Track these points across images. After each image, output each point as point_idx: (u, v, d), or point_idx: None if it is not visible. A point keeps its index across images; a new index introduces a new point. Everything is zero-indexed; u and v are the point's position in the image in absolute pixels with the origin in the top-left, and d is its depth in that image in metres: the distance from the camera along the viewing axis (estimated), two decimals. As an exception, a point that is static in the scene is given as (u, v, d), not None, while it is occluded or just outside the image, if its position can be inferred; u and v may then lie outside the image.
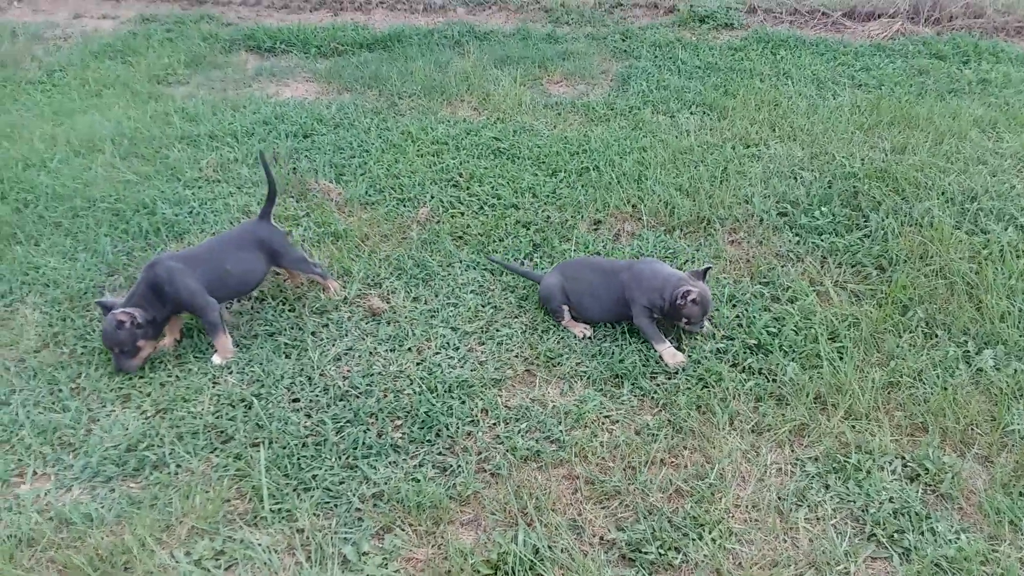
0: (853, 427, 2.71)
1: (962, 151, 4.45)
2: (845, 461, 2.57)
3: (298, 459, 2.63)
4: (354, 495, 2.50)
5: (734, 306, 3.32)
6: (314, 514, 2.44)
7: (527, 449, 2.65)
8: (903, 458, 2.59)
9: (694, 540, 2.33)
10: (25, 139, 4.86)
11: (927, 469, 2.53)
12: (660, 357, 3.04)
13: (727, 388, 2.88)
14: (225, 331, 3.09)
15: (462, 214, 4.03)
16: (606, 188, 4.18)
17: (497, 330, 3.23)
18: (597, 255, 3.64)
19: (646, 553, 2.29)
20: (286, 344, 3.16)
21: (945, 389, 2.83)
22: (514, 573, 2.24)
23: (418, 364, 3.05)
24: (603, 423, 2.78)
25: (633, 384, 2.93)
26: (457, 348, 3.13)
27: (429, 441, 2.71)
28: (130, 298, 3.01)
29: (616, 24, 7.17)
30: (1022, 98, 5.19)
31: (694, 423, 2.74)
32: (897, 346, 3.04)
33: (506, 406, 2.85)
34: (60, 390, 2.95)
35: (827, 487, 2.51)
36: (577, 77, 5.86)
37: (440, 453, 2.66)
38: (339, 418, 2.79)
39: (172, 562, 2.30)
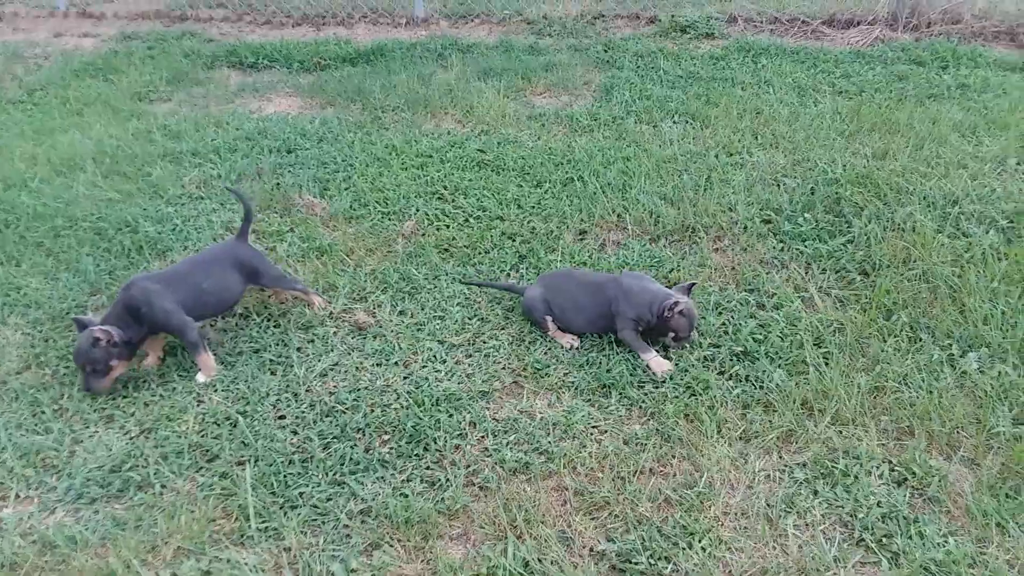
0: (840, 432, 2.72)
1: (942, 155, 4.49)
2: (833, 466, 2.58)
3: (284, 476, 2.60)
4: (342, 512, 2.48)
5: (720, 314, 3.33)
6: (301, 532, 2.42)
7: (516, 461, 2.64)
8: (890, 462, 2.60)
9: (684, 549, 2.32)
10: (6, 158, 4.83)
11: (914, 473, 2.54)
12: (647, 366, 3.04)
13: (714, 396, 2.88)
14: (206, 349, 3.07)
15: (447, 227, 4.03)
16: (591, 198, 4.19)
17: (484, 342, 3.22)
18: (583, 265, 3.65)
19: (636, 563, 2.28)
20: (271, 360, 3.14)
21: (930, 393, 2.84)
22: (504, 587, 2.23)
23: (405, 378, 3.04)
24: (591, 433, 2.77)
25: (621, 394, 2.93)
26: (444, 361, 3.12)
27: (417, 455, 2.69)
28: (107, 318, 2.99)
29: (598, 35, 7.22)
30: (1001, 102, 5.25)
31: (682, 432, 2.73)
32: (882, 350, 3.06)
33: (494, 418, 2.84)
34: (43, 411, 2.92)
35: (815, 493, 2.51)
36: (560, 88, 5.88)
37: (428, 467, 2.65)
38: (326, 434, 2.77)
39: (158, 584, 2.27)
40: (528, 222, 4.03)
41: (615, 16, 7.73)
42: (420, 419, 2.81)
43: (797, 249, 3.73)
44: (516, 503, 2.48)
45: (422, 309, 3.42)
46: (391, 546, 2.37)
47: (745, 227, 3.91)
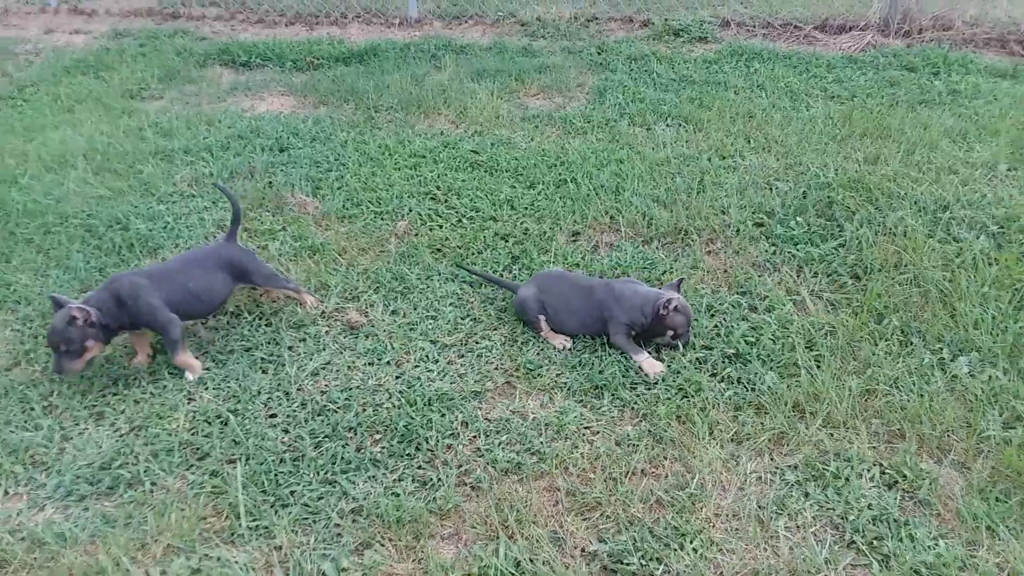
0: (831, 435, 2.73)
1: (933, 161, 4.51)
2: (824, 469, 2.59)
3: (275, 475, 2.59)
4: (333, 511, 2.47)
5: (712, 316, 3.33)
6: (292, 531, 2.41)
7: (508, 462, 2.64)
8: (881, 465, 2.61)
9: (675, 550, 2.33)
10: (-4, 154, 4.79)
11: (905, 476, 2.55)
12: (640, 368, 3.04)
13: (706, 398, 2.88)
14: (185, 349, 3.03)
15: (440, 227, 4.02)
16: (584, 200, 4.19)
17: (477, 342, 3.22)
18: (576, 267, 3.65)
19: (628, 564, 2.28)
20: (263, 359, 3.13)
21: (921, 396, 2.86)
22: (495, 587, 2.23)
23: (397, 378, 3.03)
24: (583, 434, 2.77)
25: (613, 395, 2.93)
26: (436, 361, 3.11)
27: (409, 455, 2.68)
28: (87, 300, 2.95)
29: (592, 38, 7.23)
30: (991, 108, 5.28)
31: (674, 433, 2.74)
32: (873, 354, 3.07)
33: (486, 419, 2.84)
34: (32, 408, 2.89)
35: (806, 495, 2.51)
36: (554, 90, 5.88)
37: (420, 467, 2.64)
38: (317, 433, 2.76)
39: (147, 582, 2.26)
40: (521, 223, 4.03)
41: (609, 19, 7.74)
42: (412, 419, 2.80)
43: (789, 252, 3.74)
44: (508, 503, 2.48)
45: (415, 309, 3.41)
46: (382, 545, 2.36)
47: (738, 230, 3.92)
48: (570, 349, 3.18)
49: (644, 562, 2.29)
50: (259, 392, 2.95)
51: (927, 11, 7.00)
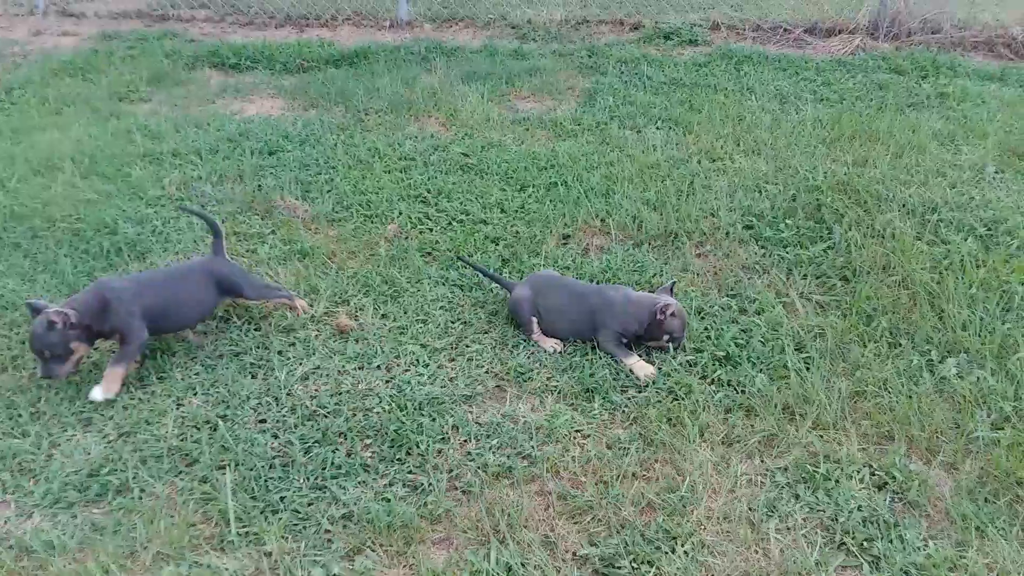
0: (821, 437, 2.74)
1: (922, 164, 4.54)
2: (814, 471, 2.59)
3: (265, 481, 2.58)
4: (323, 516, 2.46)
5: (702, 318, 3.34)
6: (282, 537, 2.40)
7: (498, 465, 2.63)
8: (871, 467, 2.62)
9: (667, 553, 2.33)
10: (-18, 158, 4.76)
11: (894, 477, 2.56)
12: (630, 370, 3.04)
13: (697, 400, 2.89)
14: (128, 368, 2.95)
15: (430, 230, 4.02)
16: (574, 203, 4.20)
17: (467, 346, 3.21)
18: (566, 271, 3.65)
19: (619, 568, 2.28)
20: (252, 364, 3.11)
21: (910, 398, 2.87)
22: (487, 592, 2.22)
23: (387, 382, 3.02)
24: (574, 438, 2.77)
25: (604, 398, 2.93)
26: (427, 365, 3.11)
27: (399, 460, 2.68)
28: (70, 302, 2.92)
29: (582, 40, 7.24)
30: (979, 111, 5.32)
31: (665, 436, 2.74)
32: (862, 356, 3.08)
33: (477, 422, 2.83)
34: (19, 415, 2.87)
35: (797, 497, 2.52)
36: (544, 93, 5.89)
37: (410, 472, 2.64)
38: (307, 438, 2.75)
39: (136, 589, 2.25)
40: (511, 226, 4.03)
41: (599, 22, 7.76)
42: (402, 423, 2.79)
43: (778, 255, 3.75)
44: (499, 507, 2.47)
45: (405, 312, 3.40)
46: (373, 551, 2.36)
47: (727, 233, 3.93)
48: (561, 352, 3.18)
49: (635, 565, 2.29)
50: (248, 397, 2.93)
51: (916, 15, 7.04)
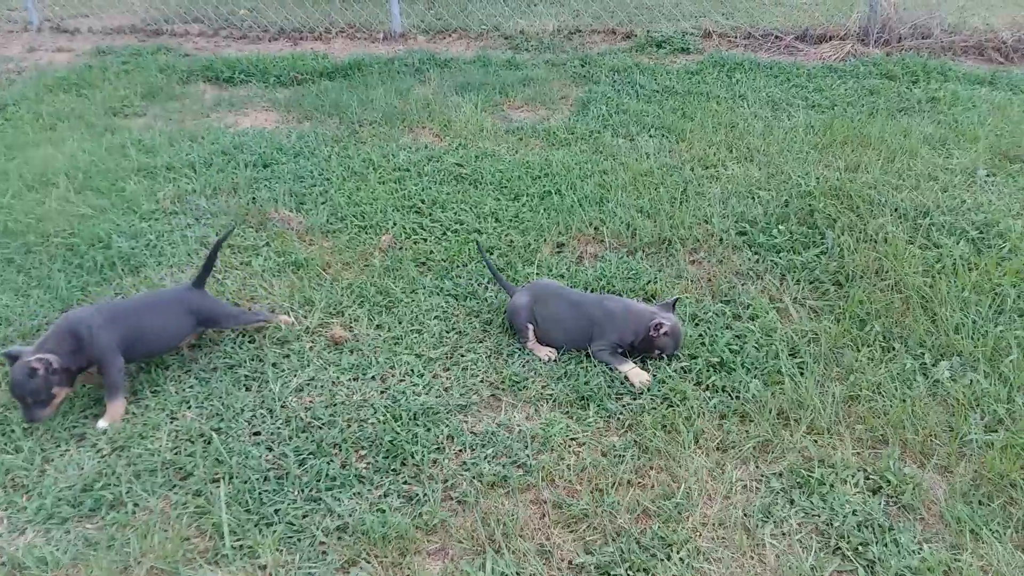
0: (816, 442, 2.74)
1: (913, 168, 4.55)
2: (809, 476, 2.59)
3: (260, 493, 2.58)
4: (318, 528, 2.46)
5: (696, 325, 3.34)
6: (277, 549, 2.39)
7: (494, 475, 2.63)
8: (865, 471, 2.62)
9: (662, 560, 2.32)
10: (-24, 174, 4.77)
11: (889, 481, 2.56)
12: (625, 378, 3.05)
13: (691, 407, 2.89)
14: (121, 396, 2.93)
15: (425, 240, 4.02)
16: (568, 211, 4.21)
17: (462, 355, 3.21)
18: (561, 279, 3.65)
19: (615, 576, 2.28)
20: (246, 376, 3.11)
21: (904, 401, 2.87)
22: (482, 602, 2.22)
23: (382, 392, 3.02)
24: (570, 446, 2.77)
25: (599, 406, 2.93)
26: (421, 375, 3.11)
27: (394, 470, 2.67)
28: (41, 345, 2.87)
29: (575, 50, 7.27)
30: (970, 115, 5.34)
31: (660, 443, 2.74)
32: (856, 360, 3.08)
33: (472, 432, 2.83)
34: (12, 430, 2.86)
35: (792, 502, 2.52)
36: (537, 102, 5.91)
37: (406, 482, 2.63)
38: (302, 450, 2.75)
39: (130, 604, 2.24)
40: (506, 235, 4.04)
41: (592, 31, 7.79)
42: (397, 434, 2.79)
43: (772, 260, 3.76)
44: (494, 517, 2.47)
45: (399, 323, 3.41)
46: (368, 563, 2.35)
47: (721, 239, 3.94)
48: (555, 361, 3.18)
49: (631, 573, 2.29)
50: (243, 410, 2.93)
51: (906, 20, 7.08)
